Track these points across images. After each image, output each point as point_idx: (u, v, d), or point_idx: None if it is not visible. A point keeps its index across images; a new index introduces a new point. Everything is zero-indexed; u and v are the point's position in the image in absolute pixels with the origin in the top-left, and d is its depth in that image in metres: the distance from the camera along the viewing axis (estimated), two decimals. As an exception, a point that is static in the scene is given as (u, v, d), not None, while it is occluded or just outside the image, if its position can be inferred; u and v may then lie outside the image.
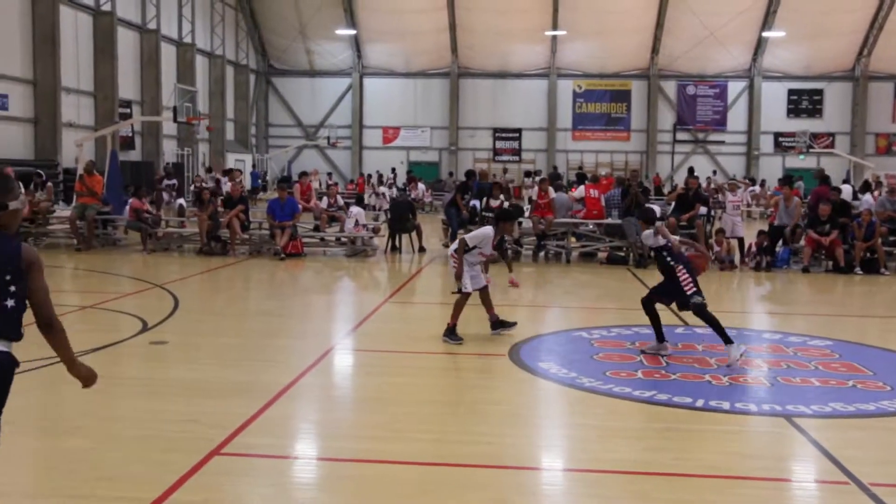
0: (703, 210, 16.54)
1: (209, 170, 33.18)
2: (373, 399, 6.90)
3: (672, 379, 7.45)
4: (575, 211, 17.02)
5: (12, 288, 3.55)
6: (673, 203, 17.36)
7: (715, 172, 43.25)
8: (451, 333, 8.76)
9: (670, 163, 46.79)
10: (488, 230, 9.19)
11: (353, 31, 46.12)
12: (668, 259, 8.27)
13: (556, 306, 12.45)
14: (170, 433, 5.75)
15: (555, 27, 43.80)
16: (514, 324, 9.25)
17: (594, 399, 6.87)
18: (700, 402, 6.69)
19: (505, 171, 31.39)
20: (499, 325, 9.15)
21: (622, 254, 16.45)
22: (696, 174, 19.03)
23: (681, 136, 47.07)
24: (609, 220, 16.47)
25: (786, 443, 6.00)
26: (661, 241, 8.37)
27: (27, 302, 3.67)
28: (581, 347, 8.78)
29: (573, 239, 17.06)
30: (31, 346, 4.67)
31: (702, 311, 8.02)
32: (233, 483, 5.04)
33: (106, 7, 33.83)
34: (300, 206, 17.12)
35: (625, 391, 7.03)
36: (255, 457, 5.45)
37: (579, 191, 17.24)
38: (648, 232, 8.63)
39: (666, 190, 35.01)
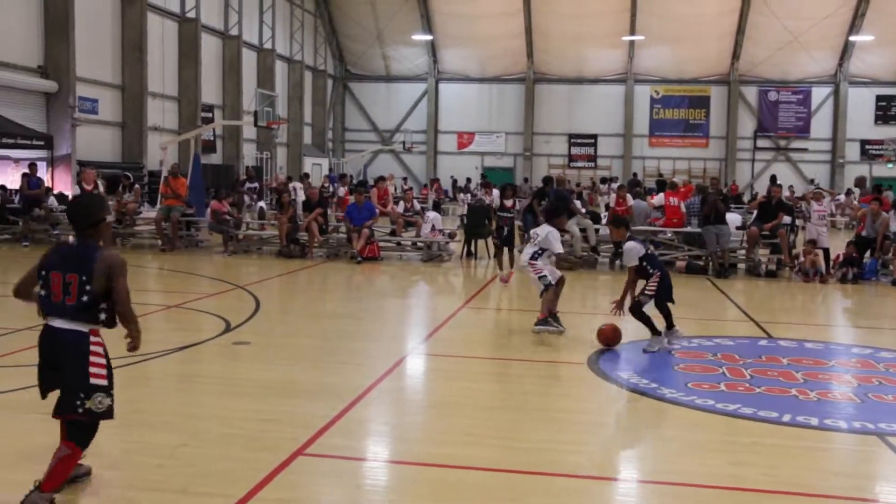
0: (786, 219, 16.14)
1: (289, 178, 33.86)
2: (451, 404, 6.92)
3: (757, 392, 7.28)
4: (654, 219, 16.79)
5: (87, 287, 4.42)
6: (755, 212, 16.97)
7: (776, 182, 42.13)
8: (553, 319, 9.38)
9: (750, 170, 45.81)
10: (552, 229, 9.57)
11: (429, 37, 46.40)
12: (648, 267, 8.73)
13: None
14: (255, 432, 5.86)
15: (632, 32, 43.33)
16: (562, 329, 9.47)
17: (676, 410, 6.76)
18: (787, 417, 6.52)
19: (594, 183, 31.11)
20: (544, 322, 9.39)
21: (701, 263, 16.16)
22: (778, 182, 18.56)
23: (762, 143, 46.04)
24: (688, 229, 16.20)
25: (878, 462, 5.81)
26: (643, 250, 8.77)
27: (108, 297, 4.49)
28: (661, 357, 8.64)
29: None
30: (113, 346, 4.81)
31: (638, 308, 8.63)
32: (317, 483, 5.12)
33: (191, 14, 34.74)
34: (377, 211, 17.29)
35: (708, 403, 6.89)
36: (338, 458, 5.51)
37: (658, 198, 17.01)
38: (633, 244, 8.94)
39: (746, 198, 34.26)
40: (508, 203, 15.60)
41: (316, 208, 16.99)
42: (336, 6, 48.15)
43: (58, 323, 4.46)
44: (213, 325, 9.62)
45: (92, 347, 4.49)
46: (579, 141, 47.81)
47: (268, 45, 41.78)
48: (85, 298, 4.42)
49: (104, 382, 4.52)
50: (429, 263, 16.92)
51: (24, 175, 19.50)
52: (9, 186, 20.92)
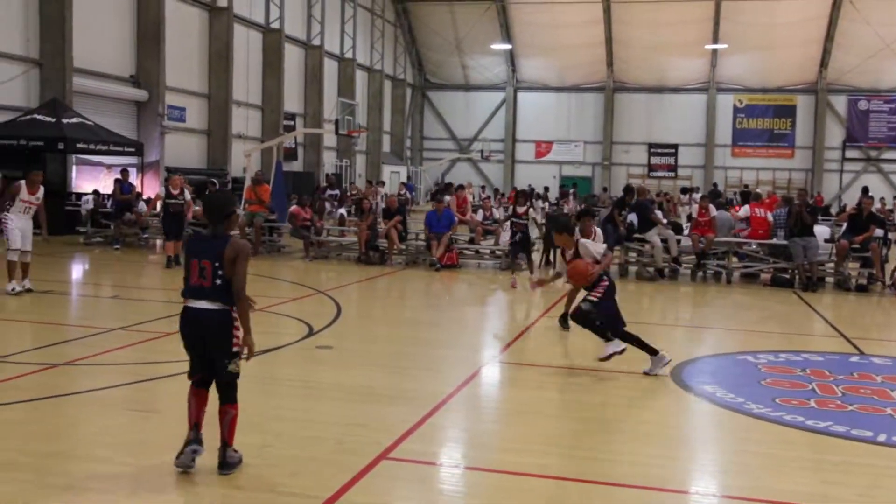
0: (878, 232, 15.60)
1: (370, 182, 34.32)
2: (530, 413, 6.88)
3: (849, 410, 7.05)
4: (738, 230, 16.44)
5: (220, 272, 5.01)
6: (844, 224, 16.45)
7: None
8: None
9: (838, 181, 44.47)
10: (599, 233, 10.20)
11: (508, 46, 46.42)
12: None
13: (716, 328, 12.04)
14: (339, 435, 5.94)
15: (715, 40, 42.57)
16: (568, 328, 9.90)
17: (764, 426, 6.59)
18: (882, 437, 6.29)
19: (666, 193, 30.62)
20: (564, 319, 9.91)
21: (787, 276, 15.74)
22: (870, 194, 17.96)
23: (850, 153, 44.66)
24: (774, 241, 15.81)
25: (982, 486, 5.55)
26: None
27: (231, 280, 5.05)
28: (747, 372, 8.45)
29: (734, 259, 16.48)
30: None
31: (585, 316, 8.02)
32: (401, 487, 5.16)
33: (275, 25, 35.50)
34: (456, 218, 17.36)
35: (797, 420, 6.70)
36: (422, 463, 5.55)
37: (744, 209, 16.64)
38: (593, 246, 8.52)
39: (833, 210, 33.27)
40: (521, 210, 15.69)
41: (395, 216, 17.15)
42: (416, 16, 48.61)
43: (201, 304, 5.05)
44: (296, 329, 9.79)
45: (234, 322, 5.10)
46: (659, 151, 47.18)
47: (349, 55, 42.40)
48: (218, 282, 5.01)
49: (238, 349, 5.15)
50: (507, 272, 16.88)
51: (116, 181, 20.20)
52: (102, 191, 21.68)
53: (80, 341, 8.73)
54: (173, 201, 15.93)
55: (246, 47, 33.54)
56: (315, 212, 18.44)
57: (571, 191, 33.91)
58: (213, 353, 5.10)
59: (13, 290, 11.38)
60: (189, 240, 5.54)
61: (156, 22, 27.25)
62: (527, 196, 16.82)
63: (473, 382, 7.82)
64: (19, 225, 11.60)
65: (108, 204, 20.56)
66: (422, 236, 17.76)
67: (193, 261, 5.09)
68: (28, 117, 21.74)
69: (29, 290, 11.54)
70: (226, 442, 5.16)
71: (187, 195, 16.39)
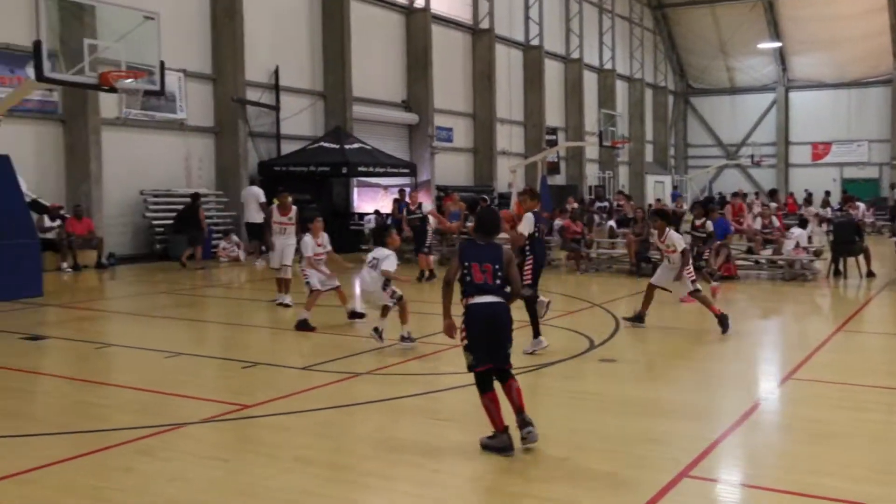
0: None
1: (621, 194, 33.77)
2: (840, 434, 6.31)
3: None
4: None
5: (500, 273, 5.82)
6: None
7: None
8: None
9: None
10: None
11: (777, 44, 43.92)
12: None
13: None
14: (636, 449, 5.79)
15: None
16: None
17: None
18: None
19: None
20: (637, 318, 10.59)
21: None
22: None
23: None
24: None
25: None
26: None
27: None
28: None
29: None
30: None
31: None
32: (709, 509, 4.92)
33: (534, 42, 36.05)
34: (732, 228, 16.54)
35: None
36: (723, 483, 5.28)
37: None
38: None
39: None
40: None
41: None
42: (676, 21, 47.33)
43: (489, 298, 5.78)
44: (576, 342, 9.74)
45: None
46: (959, 145, 42.37)
47: (608, 66, 42.12)
48: (499, 281, 5.82)
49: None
50: (791, 283, 15.82)
51: (395, 200, 21.39)
52: (382, 211, 23.08)
53: (371, 353, 9.24)
54: (412, 216, 16.47)
55: (507, 66, 34.34)
56: (585, 224, 18.37)
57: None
58: (501, 340, 5.81)
59: (278, 301, 12.37)
60: (463, 247, 6.09)
61: (424, 49, 28.65)
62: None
63: (772, 399, 7.36)
64: (278, 244, 12.60)
65: (389, 222, 21.81)
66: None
67: (475, 264, 5.81)
68: (315, 145, 23.64)
69: (287, 306, 12.30)
70: (521, 408, 5.80)
71: (424, 209, 16.89)
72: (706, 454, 5.70)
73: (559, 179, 37.85)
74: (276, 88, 23.58)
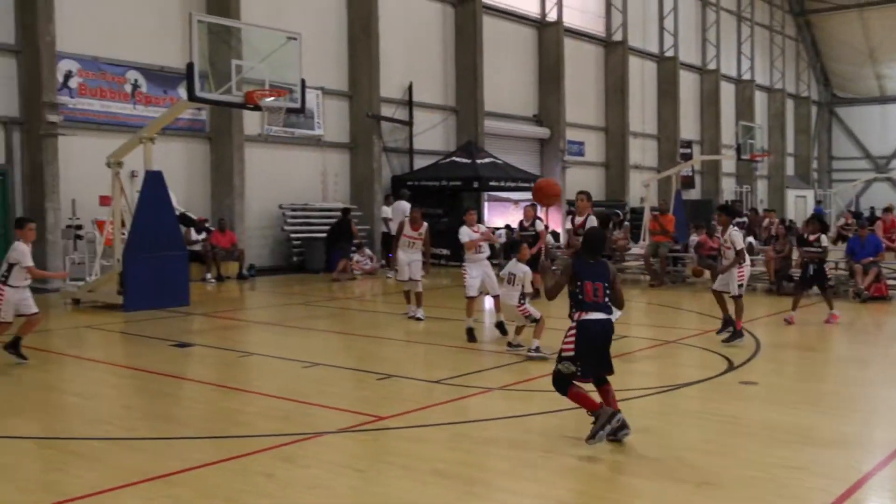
0: None
1: (755, 211, 32.52)
2: None
3: None
4: None
5: (608, 290, 6.27)
6: None
7: None
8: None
9: None
10: None
11: (933, 49, 41.41)
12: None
13: None
14: (780, 478, 5.53)
15: None
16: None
17: None
18: None
19: None
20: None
21: None
22: None
23: None
24: None
25: None
26: None
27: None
28: None
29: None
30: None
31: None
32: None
33: (669, 53, 35.33)
34: (884, 245, 15.64)
35: None
36: (882, 519, 4.97)
37: None
38: None
39: None
40: (812, 237, 12.77)
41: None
42: (820, 28, 45.38)
43: (599, 315, 6.20)
44: (713, 363, 9.43)
45: None
46: None
47: (746, 76, 40.82)
48: (607, 299, 6.27)
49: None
50: (947, 304, 14.82)
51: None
52: (513, 226, 23.05)
53: (504, 368, 9.23)
54: (525, 233, 16.31)
55: (640, 78, 33.80)
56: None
57: None
58: (608, 352, 6.29)
59: (410, 315, 12.69)
60: (574, 265, 6.39)
61: (556, 63, 28.57)
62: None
63: (930, 430, 6.88)
64: (404, 258, 12.80)
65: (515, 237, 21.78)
66: (842, 265, 16.27)
67: (587, 282, 6.22)
68: (448, 160, 23.92)
69: (419, 319, 12.51)
70: (618, 410, 6.16)
71: (538, 226, 16.66)
72: (859, 486, 5.39)
73: (694, 194, 36.85)
74: (409, 104, 24.02)
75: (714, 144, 37.66)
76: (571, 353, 6.13)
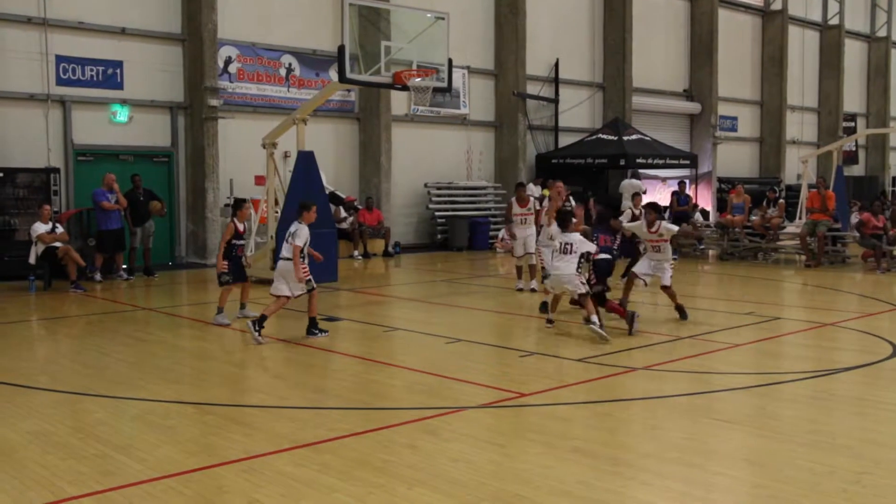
0: None
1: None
2: None
3: None
4: None
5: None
6: None
7: None
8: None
9: None
10: None
11: None
12: None
13: None
14: (949, 472, 5.18)
15: None
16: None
17: None
18: None
19: None
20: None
21: None
22: None
23: None
24: None
25: None
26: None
27: None
28: None
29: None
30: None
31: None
32: None
33: (833, 21, 33.39)
34: None
35: None
36: None
37: None
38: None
39: None
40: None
41: None
42: None
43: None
44: (877, 347, 8.90)
45: None
46: None
47: (920, 44, 37.94)
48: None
49: None
50: None
51: (673, 193, 20.77)
52: (660, 203, 22.48)
53: (645, 349, 9.04)
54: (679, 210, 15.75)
55: (801, 48, 32.12)
56: (888, 219, 16.72)
57: None
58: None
59: (519, 287, 13.44)
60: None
61: (709, 34, 27.54)
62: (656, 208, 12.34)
63: None
64: (519, 235, 13.36)
65: (667, 215, 21.20)
66: None
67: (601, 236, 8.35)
68: (593, 137, 23.55)
69: (533, 290, 13.12)
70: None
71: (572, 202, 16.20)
72: None
73: (857, 170, 34.76)
74: (555, 81, 23.77)
75: (881, 117, 35.34)
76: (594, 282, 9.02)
